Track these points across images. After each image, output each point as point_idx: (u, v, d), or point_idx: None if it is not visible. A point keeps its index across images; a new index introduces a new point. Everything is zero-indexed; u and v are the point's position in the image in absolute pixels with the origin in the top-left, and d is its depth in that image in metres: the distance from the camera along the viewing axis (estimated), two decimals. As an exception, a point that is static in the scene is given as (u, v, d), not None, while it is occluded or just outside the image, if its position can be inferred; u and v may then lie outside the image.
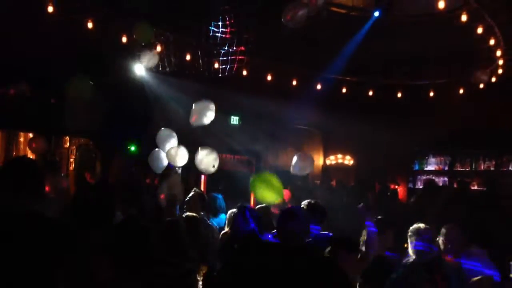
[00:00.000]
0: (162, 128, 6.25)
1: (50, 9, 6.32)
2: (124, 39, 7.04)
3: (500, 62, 8.06)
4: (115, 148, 8.36)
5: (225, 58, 7.43)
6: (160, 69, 7.55)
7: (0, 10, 6.22)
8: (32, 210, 2.68)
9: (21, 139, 9.07)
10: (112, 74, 7.89)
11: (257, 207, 5.22)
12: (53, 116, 8.16)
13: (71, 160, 8.91)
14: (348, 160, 12.33)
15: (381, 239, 4.37)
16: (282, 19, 5.48)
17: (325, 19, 6.57)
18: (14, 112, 7.88)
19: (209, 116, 5.95)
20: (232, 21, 6.85)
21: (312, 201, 4.53)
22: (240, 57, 7.43)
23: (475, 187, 10.18)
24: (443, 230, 4.31)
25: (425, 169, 11.53)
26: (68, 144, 9.31)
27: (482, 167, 10.94)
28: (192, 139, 6.37)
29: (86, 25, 6.67)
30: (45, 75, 8.21)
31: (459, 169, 11.22)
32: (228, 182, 8.56)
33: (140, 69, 8.02)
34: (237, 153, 10.23)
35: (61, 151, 9.23)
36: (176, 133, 6.22)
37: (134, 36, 6.67)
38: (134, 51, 7.42)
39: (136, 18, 6.72)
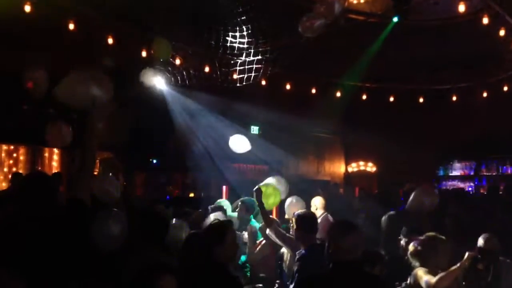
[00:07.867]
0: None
1: (71, 26, 6.42)
2: (143, 53, 7.12)
3: (525, 64, 7.88)
4: (138, 161, 8.45)
5: (242, 68, 7.43)
6: (180, 82, 7.61)
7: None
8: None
9: (46, 154, 9.26)
10: (133, 88, 7.97)
11: None
12: (75, 131, 8.27)
13: (95, 173, 9.01)
14: (370, 167, 12.20)
15: None
16: (300, 29, 5.46)
17: (343, 27, 6.53)
18: (38, 128, 8.02)
19: None
20: (250, 31, 6.86)
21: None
22: (257, 66, 7.42)
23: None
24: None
25: (450, 174, 11.34)
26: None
27: (510, 171, 10.70)
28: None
29: (107, 41, 6.77)
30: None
31: (485, 173, 11.00)
32: (249, 192, 8.51)
33: (160, 83, 8.09)
34: (257, 163, 10.21)
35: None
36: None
37: (152, 52, 6.74)
38: (154, 65, 7.49)
39: (154, 33, 6.79)
